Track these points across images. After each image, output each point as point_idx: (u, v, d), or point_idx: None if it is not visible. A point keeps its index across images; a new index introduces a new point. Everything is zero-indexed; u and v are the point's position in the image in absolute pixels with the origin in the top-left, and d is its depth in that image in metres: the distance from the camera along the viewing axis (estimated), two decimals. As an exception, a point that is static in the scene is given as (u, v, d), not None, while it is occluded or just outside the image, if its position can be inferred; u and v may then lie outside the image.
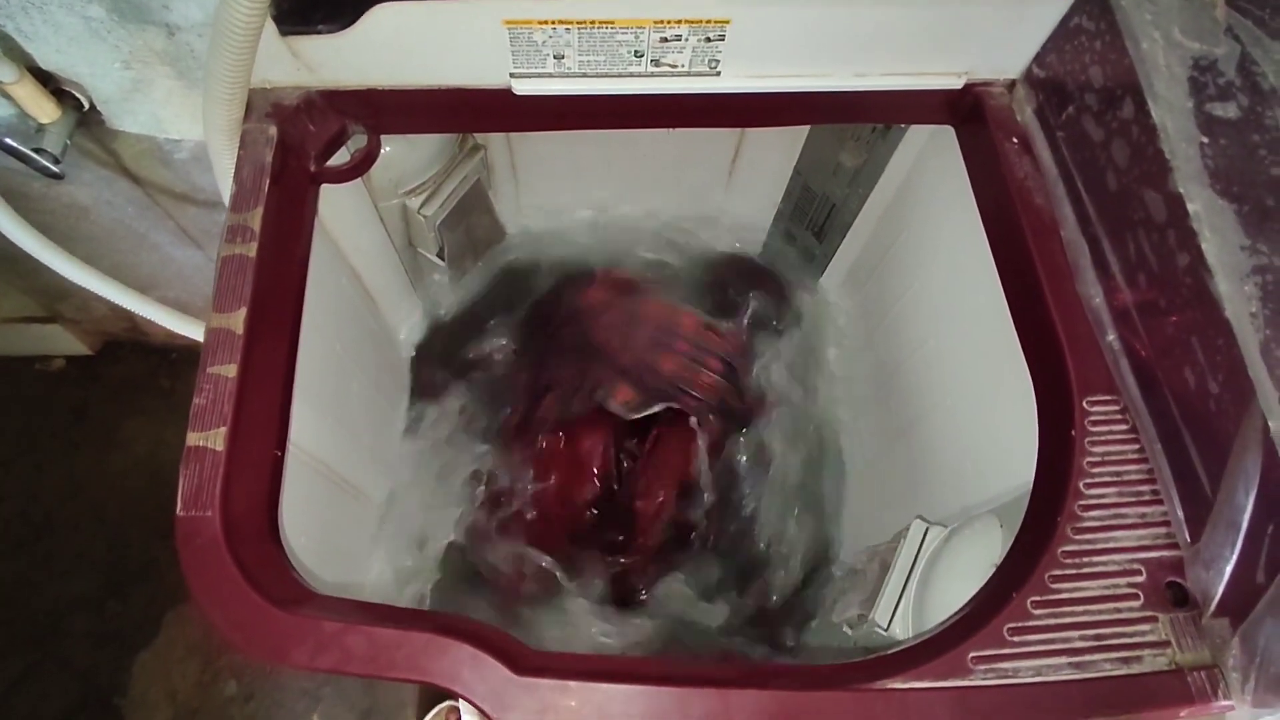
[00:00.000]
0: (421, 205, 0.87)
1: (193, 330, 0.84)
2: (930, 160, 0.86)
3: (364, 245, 0.87)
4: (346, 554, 0.80)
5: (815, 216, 1.07)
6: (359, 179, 0.72)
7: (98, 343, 1.45)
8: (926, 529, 0.77)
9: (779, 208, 1.10)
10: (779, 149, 1.01)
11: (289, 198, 0.61)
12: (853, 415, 1.12)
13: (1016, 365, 0.63)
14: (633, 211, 1.13)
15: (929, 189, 0.88)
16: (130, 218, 0.96)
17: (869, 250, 1.04)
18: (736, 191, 1.08)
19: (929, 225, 0.88)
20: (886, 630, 0.73)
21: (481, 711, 0.47)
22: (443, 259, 0.96)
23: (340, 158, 0.69)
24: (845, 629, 0.87)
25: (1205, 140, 0.53)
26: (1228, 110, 0.53)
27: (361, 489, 0.88)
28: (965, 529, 0.72)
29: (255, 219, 0.57)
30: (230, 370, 0.52)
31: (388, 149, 0.81)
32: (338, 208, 0.79)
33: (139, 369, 1.46)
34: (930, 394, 0.88)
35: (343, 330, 0.83)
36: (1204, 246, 0.50)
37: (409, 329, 1.09)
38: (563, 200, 1.09)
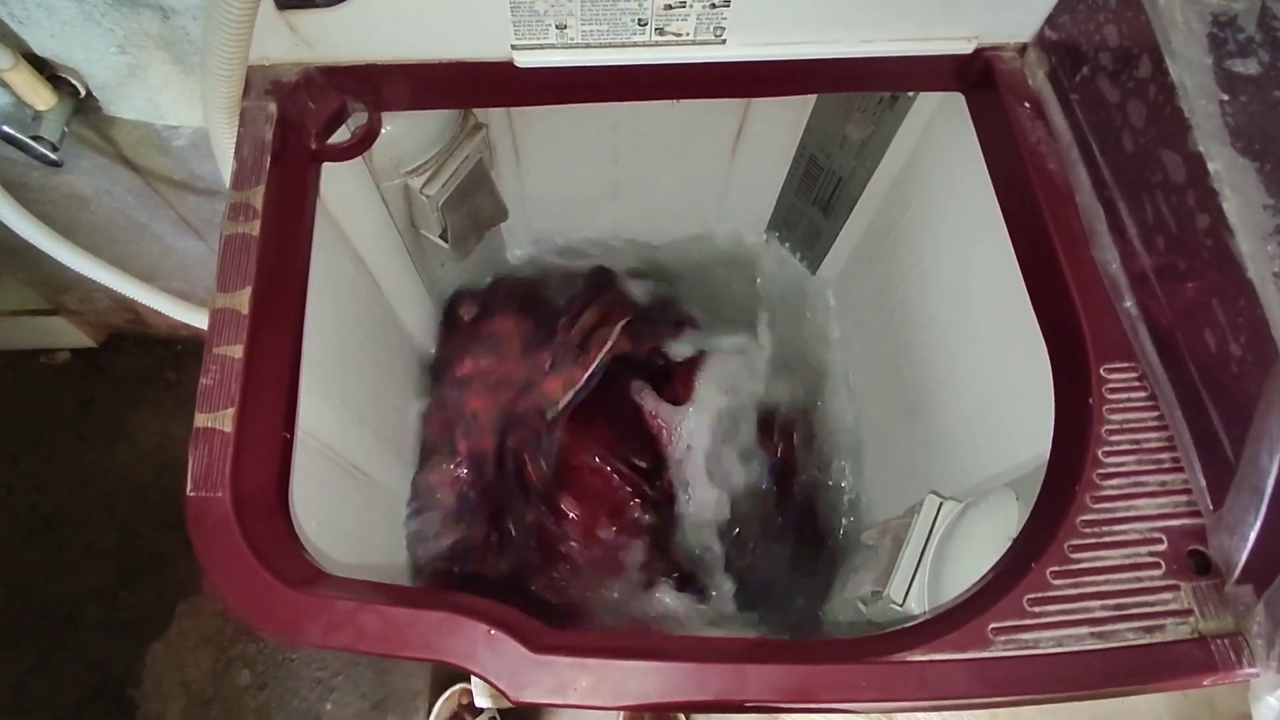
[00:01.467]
0: (424, 185, 0.86)
1: (196, 318, 0.83)
2: (938, 130, 0.85)
3: (367, 227, 0.86)
4: (359, 539, 0.80)
5: (821, 191, 1.05)
6: (360, 158, 0.71)
7: (102, 335, 1.44)
8: (940, 504, 0.76)
9: (784, 183, 1.09)
10: (784, 122, 0.99)
11: (290, 176, 0.60)
12: (861, 393, 1.12)
13: (1029, 335, 0.62)
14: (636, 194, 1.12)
15: (937, 159, 0.87)
16: (130, 207, 0.95)
17: (876, 224, 1.03)
18: (741, 167, 1.07)
19: (937, 196, 0.87)
20: (901, 606, 0.73)
21: (498, 689, 0.47)
22: (446, 240, 0.95)
23: (341, 136, 0.68)
24: (859, 605, 0.87)
25: (1225, 97, 0.52)
26: (1248, 66, 0.52)
27: (372, 475, 0.88)
28: (980, 503, 0.71)
29: (257, 197, 0.56)
30: (236, 351, 0.52)
31: (389, 128, 0.80)
32: (339, 188, 0.78)
33: (144, 361, 1.45)
34: (941, 368, 0.88)
35: (348, 314, 0.82)
36: (1225, 206, 0.49)
37: (414, 315, 1.08)
38: (565, 179, 1.07)
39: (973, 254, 0.80)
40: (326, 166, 0.66)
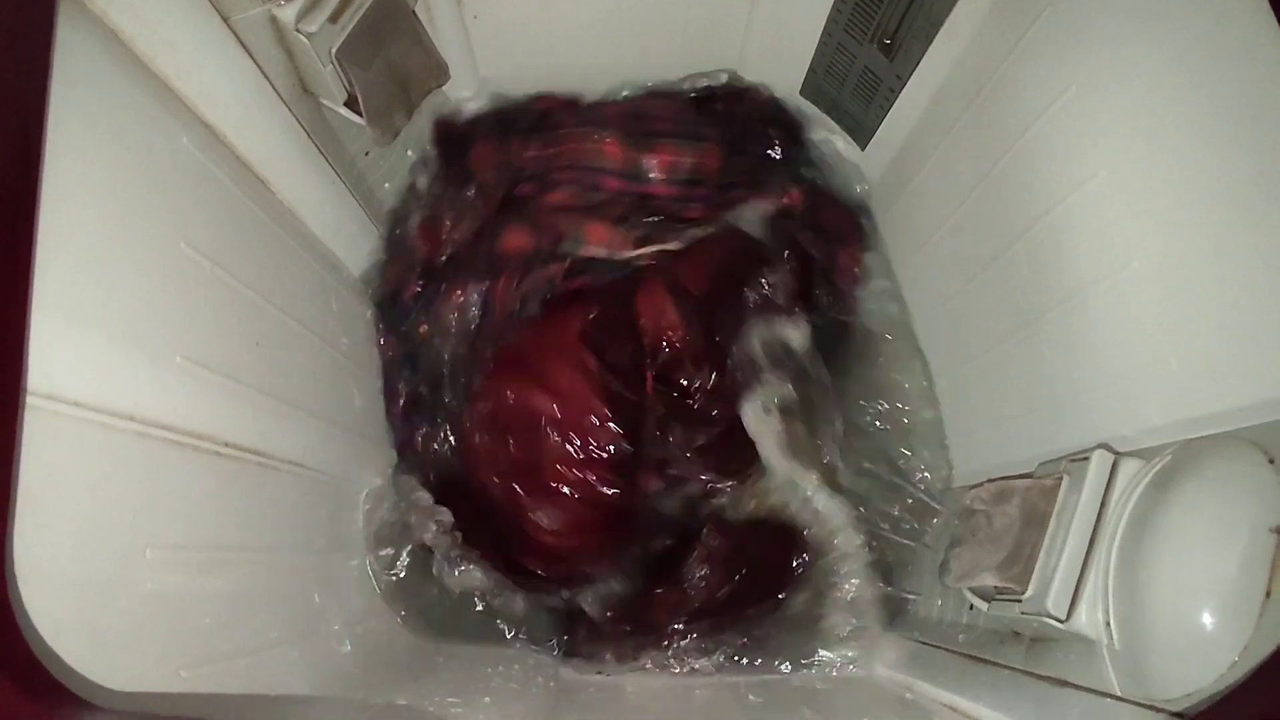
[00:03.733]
0: (299, 18, 0.56)
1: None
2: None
3: (225, 92, 0.57)
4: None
5: (886, 17, 0.75)
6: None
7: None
8: (1115, 461, 0.50)
9: (832, 10, 0.78)
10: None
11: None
12: (939, 296, 0.84)
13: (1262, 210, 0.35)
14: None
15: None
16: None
17: (971, 65, 0.72)
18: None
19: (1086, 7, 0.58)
20: (1065, 623, 0.48)
21: None
22: (357, 111, 0.66)
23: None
24: (970, 599, 0.63)
25: None
26: None
27: (303, 463, 0.62)
28: (1199, 467, 0.45)
29: None
30: None
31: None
32: (161, 27, 0.49)
33: None
34: (1085, 263, 0.60)
35: (193, 227, 0.54)
36: None
37: (337, 229, 0.78)
38: (530, 15, 0.77)
39: (1150, 93, 0.52)
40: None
